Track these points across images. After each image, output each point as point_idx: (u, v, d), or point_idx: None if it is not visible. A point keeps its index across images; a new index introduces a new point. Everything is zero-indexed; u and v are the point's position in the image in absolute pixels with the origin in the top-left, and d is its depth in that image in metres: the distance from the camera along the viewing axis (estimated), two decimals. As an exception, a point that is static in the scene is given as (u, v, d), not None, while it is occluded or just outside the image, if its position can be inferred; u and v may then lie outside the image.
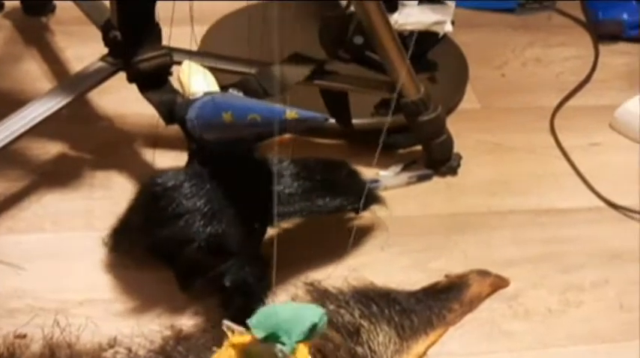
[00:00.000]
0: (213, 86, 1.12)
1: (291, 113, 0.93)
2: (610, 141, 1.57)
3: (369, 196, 1.23)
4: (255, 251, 1.08)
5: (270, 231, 1.12)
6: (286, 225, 1.18)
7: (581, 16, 1.96)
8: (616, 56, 1.84)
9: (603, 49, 1.85)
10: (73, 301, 1.11)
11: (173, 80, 1.24)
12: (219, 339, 0.96)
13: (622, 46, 1.89)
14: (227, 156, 1.07)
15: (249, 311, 1.00)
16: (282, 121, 0.94)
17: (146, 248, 1.12)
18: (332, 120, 1.37)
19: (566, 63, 1.80)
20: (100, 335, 1.05)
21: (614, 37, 1.89)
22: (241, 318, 1.02)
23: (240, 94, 1.11)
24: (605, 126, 1.60)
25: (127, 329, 1.06)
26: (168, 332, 1.05)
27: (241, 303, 1.04)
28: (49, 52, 1.58)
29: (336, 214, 1.22)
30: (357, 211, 1.24)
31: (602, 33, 1.89)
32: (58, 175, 1.31)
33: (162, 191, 1.05)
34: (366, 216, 1.28)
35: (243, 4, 1.68)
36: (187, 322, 1.09)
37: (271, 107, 0.97)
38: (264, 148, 1.10)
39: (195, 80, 1.12)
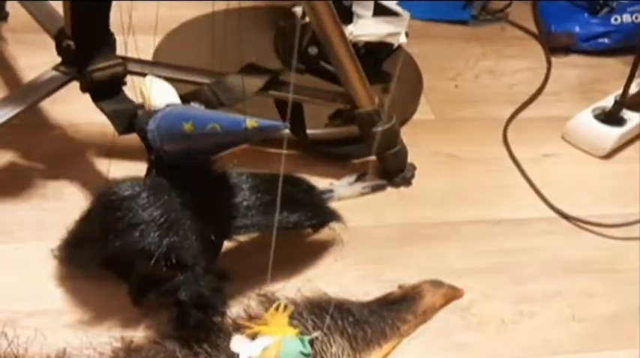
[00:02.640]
0: (175, 99, 1.12)
1: (251, 122, 0.93)
2: (562, 152, 1.58)
3: (328, 213, 1.23)
4: (212, 264, 1.08)
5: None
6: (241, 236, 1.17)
7: (534, 28, 1.98)
8: (568, 68, 1.86)
9: (555, 61, 1.86)
10: (22, 312, 1.10)
11: (127, 90, 1.23)
12: (170, 352, 0.96)
13: (574, 58, 1.90)
14: (186, 168, 1.06)
15: (205, 325, 1.00)
16: (242, 130, 0.93)
17: (99, 260, 1.11)
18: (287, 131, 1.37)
19: (519, 75, 1.81)
20: (49, 347, 1.04)
21: (566, 50, 1.91)
22: (198, 331, 1.02)
23: (202, 107, 1.11)
24: (557, 137, 1.61)
25: (77, 341, 1.05)
26: (118, 344, 1.04)
27: (197, 317, 1.03)
28: (1, 61, 1.56)
29: (294, 230, 1.22)
30: (314, 228, 1.24)
31: (555, 45, 1.91)
32: (9, 185, 1.29)
33: (118, 200, 1.03)
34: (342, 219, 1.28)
35: (198, 12, 1.68)
36: (138, 334, 1.08)
37: (231, 116, 0.97)
38: (222, 160, 1.10)
39: (156, 92, 1.11)
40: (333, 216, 1.24)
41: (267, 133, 0.95)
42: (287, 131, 0.98)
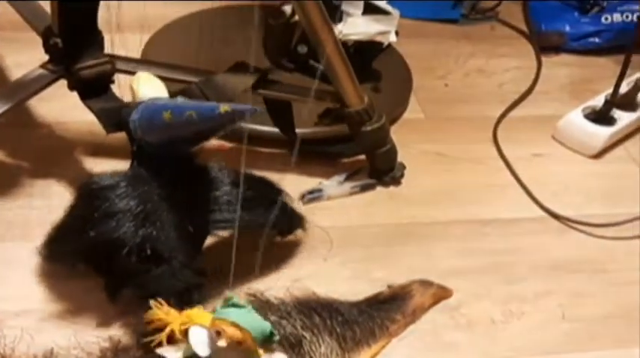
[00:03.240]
0: (163, 93, 1.11)
1: (224, 107, 0.93)
2: (552, 151, 1.58)
3: (296, 219, 1.23)
4: (192, 259, 1.07)
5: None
6: (228, 234, 1.16)
7: (524, 28, 1.98)
8: (558, 67, 1.86)
9: (546, 60, 1.86)
10: (8, 312, 1.09)
11: (115, 88, 1.23)
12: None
13: (564, 58, 1.90)
14: (167, 159, 1.06)
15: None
16: (217, 116, 0.94)
17: (80, 254, 1.10)
18: (276, 129, 1.37)
19: (509, 74, 1.81)
20: (36, 347, 1.03)
21: (556, 49, 1.91)
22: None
23: (186, 100, 1.11)
24: (547, 136, 1.61)
25: (64, 340, 1.04)
26: (105, 344, 1.03)
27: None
28: (-13, 59, 1.56)
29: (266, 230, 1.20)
30: (282, 233, 1.23)
31: (545, 44, 1.90)
32: (-4, 184, 1.29)
33: (96, 190, 1.03)
34: (308, 227, 1.27)
35: (186, 11, 1.67)
36: (124, 332, 1.07)
37: (207, 104, 0.97)
38: (206, 155, 1.09)
39: (144, 87, 1.11)
40: (301, 222, 1.24)
41: (240, 117, 0.95)
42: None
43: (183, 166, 1.07)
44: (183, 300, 1.03)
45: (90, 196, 1.04)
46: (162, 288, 1.02)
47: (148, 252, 1.01)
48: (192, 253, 1.08)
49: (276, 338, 0.92)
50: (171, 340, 0.94)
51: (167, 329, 0.93)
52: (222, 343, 0.87)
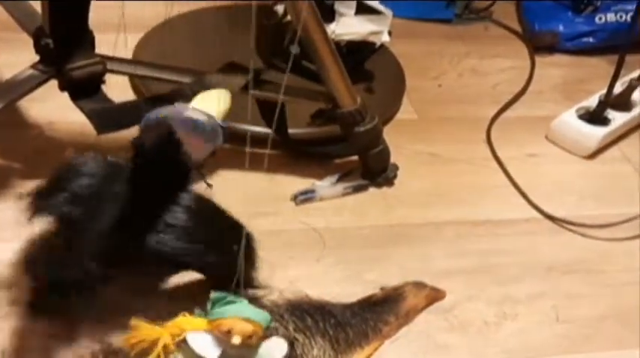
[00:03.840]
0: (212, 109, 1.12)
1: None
2: (546, 152, 1.58)
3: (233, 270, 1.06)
4: (103, 266, 1.02)
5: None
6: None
7: (518, 28, 1.98)
8: (552, 67, 1.86)
9: (539, 60, 1.86)
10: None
11: (106, 88, 1.22)
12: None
13: (558, 58, 1.90)
14: (146, 169, 1.03)
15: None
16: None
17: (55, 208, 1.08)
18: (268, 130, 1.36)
19: (503, 74, 1.80)
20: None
21: (550, 49, 1.91)
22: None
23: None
24: (541, 137, 1.61)
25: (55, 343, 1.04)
26: (96, 347, 1.03)
27: (51, 302, 1.03)
28: (-22, 59, 1.55)
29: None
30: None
31: (539, 44, 1.90)
32: (-14, 185, 1.28)
33: (68, 166, 1.03)
34: (300, 228, 1.27)
35: (178, 11, 1.66)
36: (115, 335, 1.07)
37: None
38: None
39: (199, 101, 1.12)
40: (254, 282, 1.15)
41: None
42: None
43: (154, 181, 1.04)
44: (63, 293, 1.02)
45: (62, 170, 1.04)
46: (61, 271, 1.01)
47: (69, 237, 1.01)
48: (111, 263, 1.02)
49: (272, 324, 0.93)
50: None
51: (160, 344, 0.91)
52: (236, 340, 0.86)
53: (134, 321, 0.90)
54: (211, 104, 1.12)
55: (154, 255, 1.02)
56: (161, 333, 0.89)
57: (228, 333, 0.87)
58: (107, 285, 1.04)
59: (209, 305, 0.90)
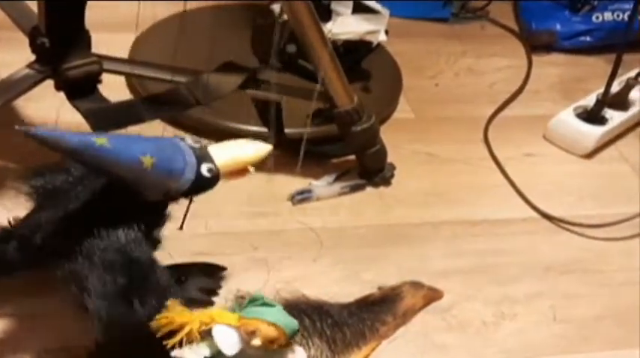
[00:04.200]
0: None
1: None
2: (544, 151, 1.57)
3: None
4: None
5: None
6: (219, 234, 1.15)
7: (515, 27, 1.97)
8: (549, 67, 1.85)
9: (536, 59, 1.86)
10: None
11: (102, 88, 1.22)
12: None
13: (555, 57, 1.90)
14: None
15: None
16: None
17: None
18: (264, 129, 1.36)
19: (500, 73, 1.80)
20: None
21: (547, 48, 1.91)
22: None
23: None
24: (538, 136, 1.60)
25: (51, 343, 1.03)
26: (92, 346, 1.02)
27: None
28: (-26, 59, 1.55)
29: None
30: None
31: (536, 43, 1.90)
32: (-19, 185, 1.28)
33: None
34: (298, 227, 1.26)
35: (174, 10, 1.66)
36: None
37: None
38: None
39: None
40: None
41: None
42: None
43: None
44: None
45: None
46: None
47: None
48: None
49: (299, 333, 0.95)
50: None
51: (186, 329, 0.91)
52: (257, 341, 0.88)
53: (170, 302, 0.91)
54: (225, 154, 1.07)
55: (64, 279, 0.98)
56: (190, 319, 0.90)
57: (253, 334, 0.88)
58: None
59: (245, 303, 0.92)
